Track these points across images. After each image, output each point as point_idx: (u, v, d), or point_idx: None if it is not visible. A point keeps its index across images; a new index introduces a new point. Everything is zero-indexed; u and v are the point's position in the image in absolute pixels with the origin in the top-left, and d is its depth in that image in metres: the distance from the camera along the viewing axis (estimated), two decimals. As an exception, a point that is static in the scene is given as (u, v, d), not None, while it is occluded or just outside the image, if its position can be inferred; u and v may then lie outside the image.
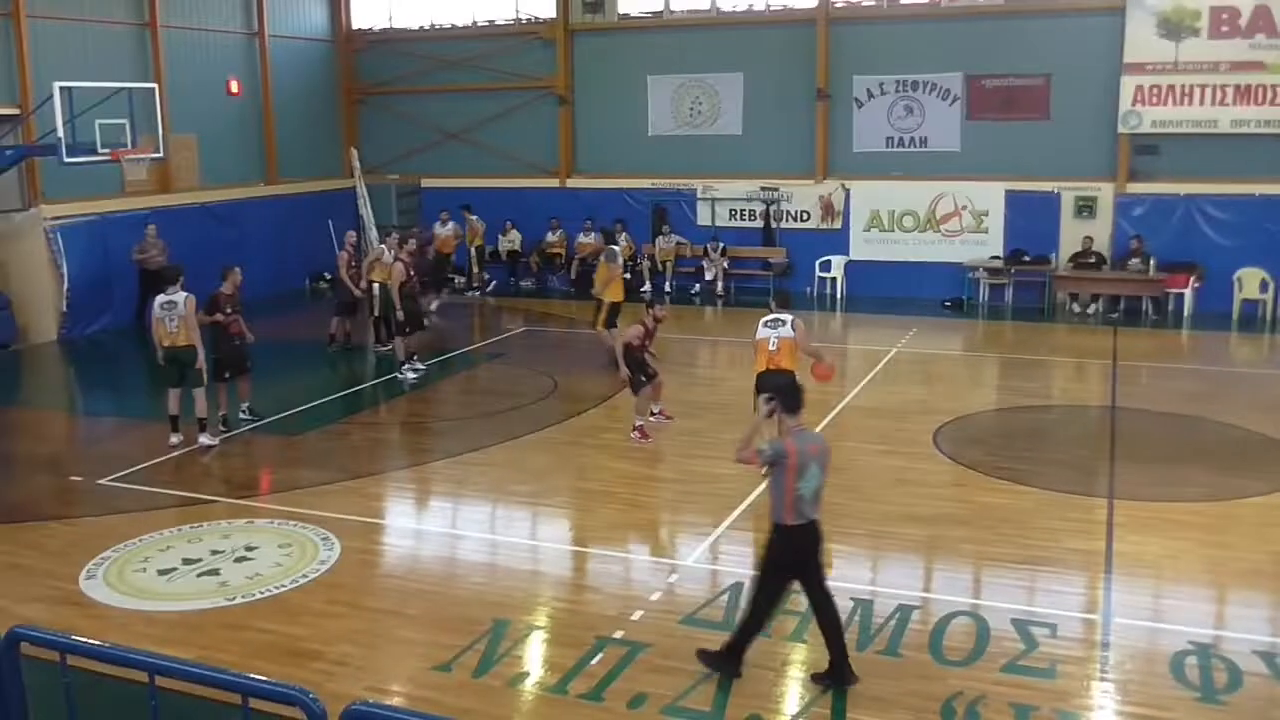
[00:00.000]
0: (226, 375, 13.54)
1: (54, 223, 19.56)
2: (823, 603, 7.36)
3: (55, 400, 17.16)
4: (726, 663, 7.43)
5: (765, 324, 11.81)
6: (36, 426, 14.83)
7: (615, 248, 19.00)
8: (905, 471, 11.86)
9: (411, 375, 16.34)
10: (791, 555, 7.27)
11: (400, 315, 16.34)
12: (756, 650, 7.66)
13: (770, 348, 11.59)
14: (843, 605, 8.45)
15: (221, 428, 13.40)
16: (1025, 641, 7.92)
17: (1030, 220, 21.82)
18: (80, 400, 16.75)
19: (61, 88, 17.23)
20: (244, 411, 13.88)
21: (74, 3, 20.26)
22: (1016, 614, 8.38)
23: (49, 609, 8.74)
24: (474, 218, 24.26)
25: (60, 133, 17.16)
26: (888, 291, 22.24)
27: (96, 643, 6.26)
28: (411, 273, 16.96)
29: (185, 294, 12.81)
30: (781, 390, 7.59)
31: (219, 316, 13.31)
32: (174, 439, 13.01)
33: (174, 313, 12.71)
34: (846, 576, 9.16)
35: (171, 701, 5.85)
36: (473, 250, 24.22)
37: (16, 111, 19.10)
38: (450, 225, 23.79)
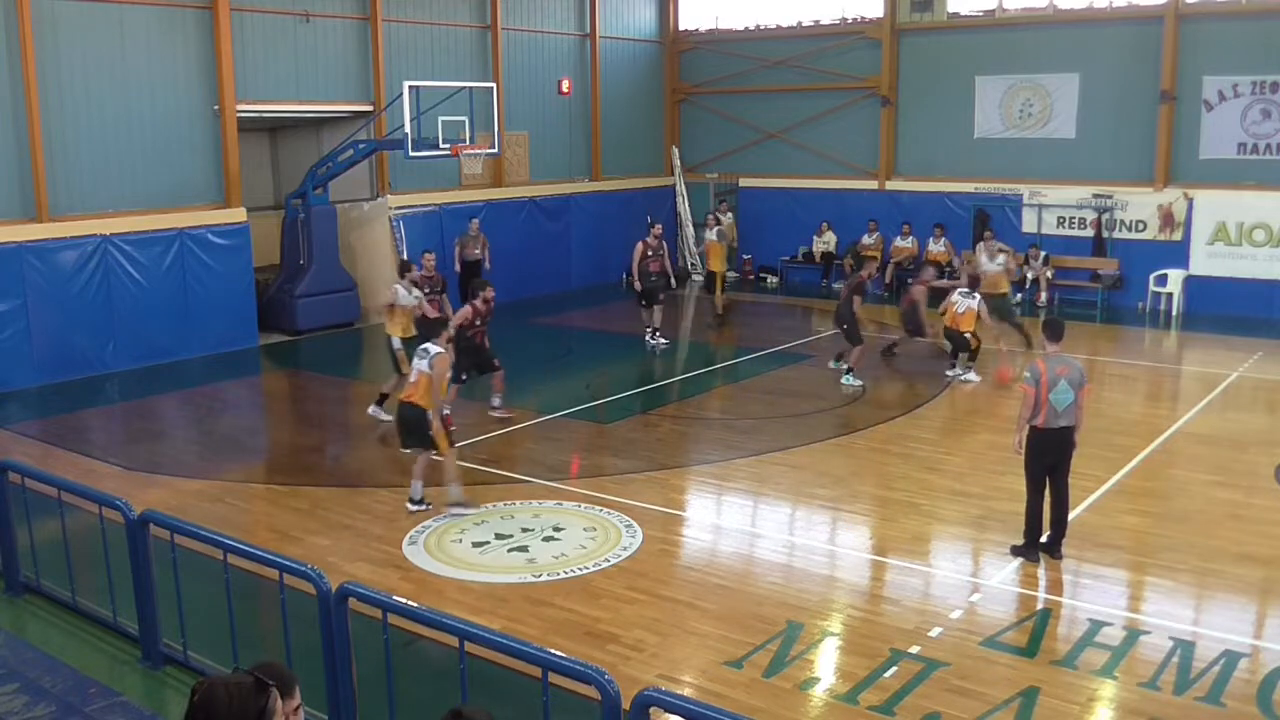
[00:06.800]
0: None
1: (397, 212, 21.10)
2: None
3: (389, 376, 18.43)
4: None
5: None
6: (372, 400, 15.97)
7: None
8: (1241, 507, 10.87)
9: (663, 341, 18.57)
10: None
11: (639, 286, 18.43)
12: (1061, 684, 7.27)
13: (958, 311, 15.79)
14: (1161, 644, 7.91)
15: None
16: (1376, 706, 7.10)
17: None
18: (412, 378, 17.89)
19: (410, 86, 18.54)
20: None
21: (424, 7, 21.72)
22: (1366, 675, 7.53)
23: (373, 569, 9.41)
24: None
25: (407, 128, 18.46)
26: (1232, 310, 20.51)
27: (415, 605, 6.72)
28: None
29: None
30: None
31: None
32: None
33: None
34: (1166, 613, 8.52)
35: (476, 667, 6.17)
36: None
37: (370, 108, 20.68)
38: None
